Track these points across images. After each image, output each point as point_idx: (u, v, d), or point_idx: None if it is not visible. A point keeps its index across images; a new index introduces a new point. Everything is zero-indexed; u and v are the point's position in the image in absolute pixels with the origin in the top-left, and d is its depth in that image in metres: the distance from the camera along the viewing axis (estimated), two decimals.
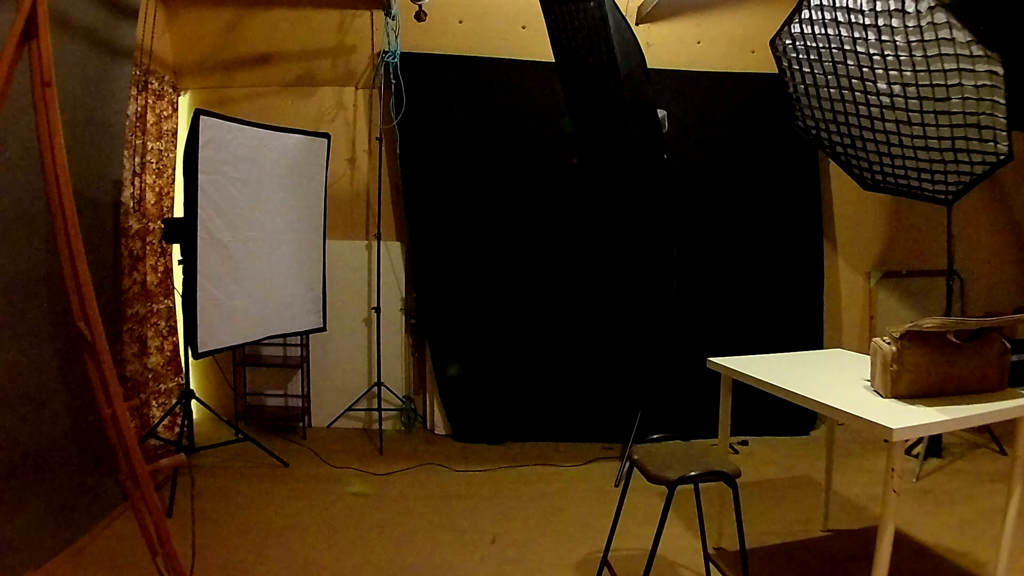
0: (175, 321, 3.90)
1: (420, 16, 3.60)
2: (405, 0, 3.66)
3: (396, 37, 3.96)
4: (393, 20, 3.94)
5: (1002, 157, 3.11)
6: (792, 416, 4.06)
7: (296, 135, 3.68)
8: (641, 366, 3.94)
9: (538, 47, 3.89)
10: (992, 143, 3.11)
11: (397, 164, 4.14)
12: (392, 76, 3.98)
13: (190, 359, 3.27)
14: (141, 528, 1.81)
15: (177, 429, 3.65)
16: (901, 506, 2.53)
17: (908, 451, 3.55)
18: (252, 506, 3.05)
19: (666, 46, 4.11)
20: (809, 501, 3.11)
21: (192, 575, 1.94)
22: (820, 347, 4.15)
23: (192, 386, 3.46)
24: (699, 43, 4.19)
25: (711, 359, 2.62)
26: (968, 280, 4.59)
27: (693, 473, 1.90)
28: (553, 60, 3.43)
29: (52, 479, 2.48)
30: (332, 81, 4.20)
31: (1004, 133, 3.02)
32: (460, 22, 4.03)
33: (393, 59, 3.96)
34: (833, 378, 2.38)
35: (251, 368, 4.22)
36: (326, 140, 3.88)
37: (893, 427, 1.69)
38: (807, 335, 4.23)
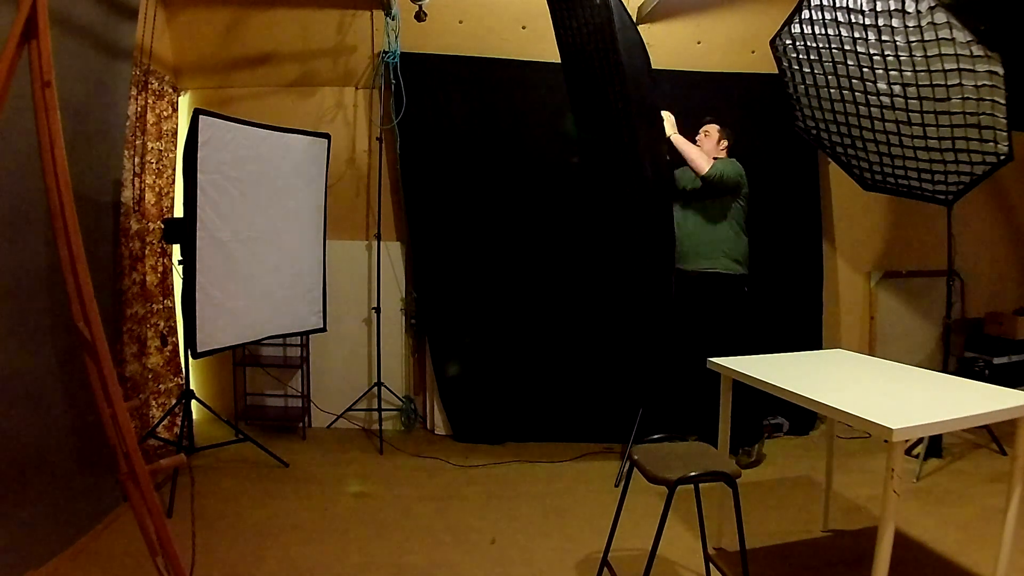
0: (175, 321, 3.90)
1: (420, 16, 3.60)
2: (405, 0, 3.66)
3: (396, 37, 3.96)
4: (393, 20, 3.93)
5: (1002, 157, 3.11)
6: (792, 416, 4.08)
7: (296, 135, 3.67)
8: (641, 366, 3.94)
9: (538, 47, 3.89)
10: (992, 143, 3.11)
11: (397, 164, 4.14)
12: (392, 76, 3.98)
13: (190, 359, 3.27)
14: (141, 528, 1.81)
15: (177, 429, 3.65)
16: (901, 506, 2.53)
17: (908, 451, 3.54)
18: (252, 506, 3.05)
19: (666, 46, 4.10)
20: (809, 501, 3.11)
21: (192, 575, 1.94)
22: (820, 347, 4.15)
23: (192, 386, 3.46)
24: (699, 43, 4.19)
25: (711, 359, 2.63)
26: (968, 280, 4.59)
27: (693, 473, 1.90)
28: (553, 60, 3.43)
29: (52, 479, 2.48)
30: (332, 81, 4.20)
31: (1004, 133, 3.02)
32: (460, 22, 4.03)
33: (393, 59, 3.96)
34: (833, 378, 2.38)
35: (251, 368, 4.22)
36: (326, 140, 3.87)
37: (893, 427, 1.69)
38: (807, 335, 4.24)
